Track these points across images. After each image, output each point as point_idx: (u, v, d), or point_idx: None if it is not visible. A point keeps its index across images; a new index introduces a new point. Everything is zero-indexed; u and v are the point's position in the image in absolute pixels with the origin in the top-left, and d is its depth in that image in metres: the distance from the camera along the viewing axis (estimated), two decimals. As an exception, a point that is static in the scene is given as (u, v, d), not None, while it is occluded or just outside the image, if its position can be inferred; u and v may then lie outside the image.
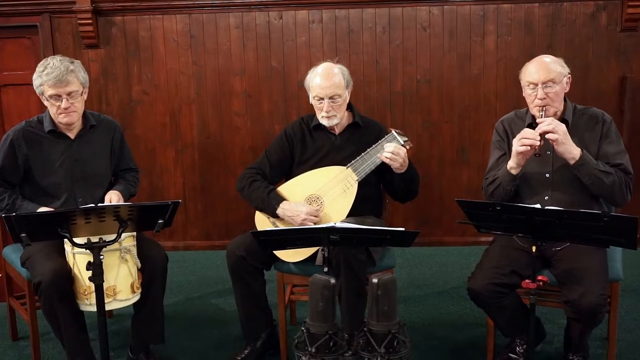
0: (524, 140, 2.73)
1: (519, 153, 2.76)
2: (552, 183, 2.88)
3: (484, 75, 4.80)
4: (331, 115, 3.08)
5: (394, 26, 4.78)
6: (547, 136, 2.71)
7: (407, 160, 3.00)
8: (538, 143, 2.70)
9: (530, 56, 3.03)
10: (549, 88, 2.81)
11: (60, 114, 3.00)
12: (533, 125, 2.86)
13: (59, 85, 2.93)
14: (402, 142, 3.00)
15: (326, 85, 3.05)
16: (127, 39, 4.88)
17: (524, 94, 2.93)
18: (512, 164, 2.82)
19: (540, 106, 2.83)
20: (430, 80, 4.83)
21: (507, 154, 2.97)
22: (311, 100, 3.14)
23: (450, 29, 4.76)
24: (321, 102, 3.08)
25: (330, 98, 3.05)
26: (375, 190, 3.23)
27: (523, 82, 2.91)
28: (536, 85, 2.82)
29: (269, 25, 4.82)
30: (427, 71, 4.82)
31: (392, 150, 2.93)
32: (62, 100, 2.96)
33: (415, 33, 4.78)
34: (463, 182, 4.95)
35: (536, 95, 2.82)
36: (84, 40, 4.83)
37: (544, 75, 2.81)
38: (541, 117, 2.81)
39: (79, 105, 3.04)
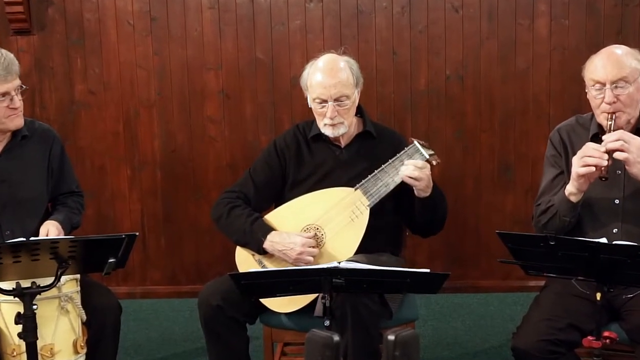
0: (586, 159, 2.72)
1: (580, 175, 2.75)
2: (622, 212, 2.90)
3: (533, 69, 4.84)
4: (337, 123, 3.10)
5: (416, 6, 4.82)
6: (615, 155, 2.70)
7: (431, 181, 3.03)
8: (605, 163, 2.69)
9: (593, 45, 3.08)
10: (620, 89, 2.82)
11: (10, 115, 3.02)
12: (599, 135, 2.87)
13: (6, 78, 2.95)
14: (427, 157, 3.02)
15: (330, 83, 3.07)
16: (67, 23, 4.92)
17: (588, 96, 2.95)
18: (571, 189, 2.82)
19: (608, 112, 2.83)
20: (463, 76, 4.88)
21: (564, 172, 2.99)
22: (310, 103, 3.17)
23: (489, 9, 4.81)
24: (324, 106, 3.10)
25: (336, 100, 3.07)
26: (392, 220, 3.24)
27: (587, 81, 2.93)
28: (603, 85, 2.84)
29: (252, 5, 4.87)
30: (459, 64, 4.87)
31: (419, 165, 2.96)
32: (12, 98, 2.98)
33: (444, 15, 4.83)
34: (506, 210, 4.98)
35: (603, 98, 2.84)
36: (12, 24, 4.87)
37: (613, 72, 2.82)
38: (609, 127, 2.82)
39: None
